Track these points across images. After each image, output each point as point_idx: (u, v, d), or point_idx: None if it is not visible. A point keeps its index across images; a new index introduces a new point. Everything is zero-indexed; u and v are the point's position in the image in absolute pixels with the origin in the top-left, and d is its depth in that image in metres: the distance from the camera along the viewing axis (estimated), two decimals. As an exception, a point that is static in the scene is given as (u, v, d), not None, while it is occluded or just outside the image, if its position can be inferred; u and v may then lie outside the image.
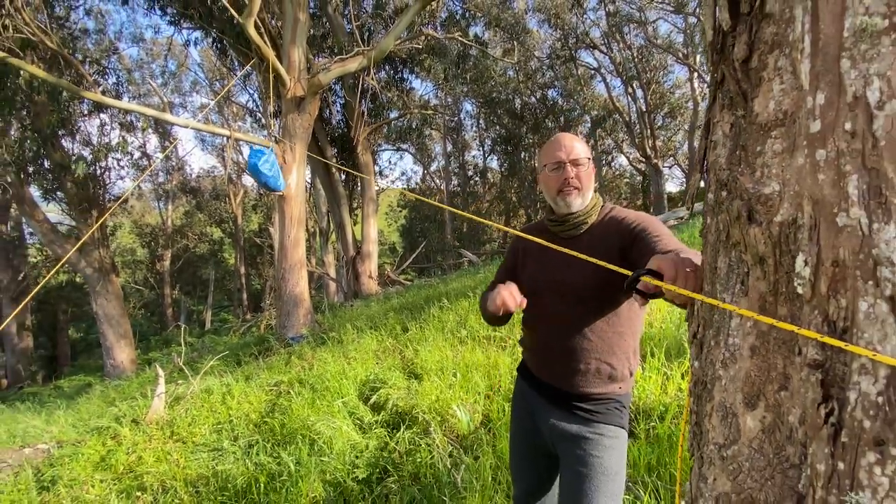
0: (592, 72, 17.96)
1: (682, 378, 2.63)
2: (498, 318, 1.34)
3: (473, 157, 23.48)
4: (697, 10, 14.76)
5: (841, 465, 0.47)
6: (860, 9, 0.46)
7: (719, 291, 0.63)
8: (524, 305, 1.21)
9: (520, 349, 4.02)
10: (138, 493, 2.61)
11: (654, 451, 2.07)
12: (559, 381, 1.28)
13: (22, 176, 9.00)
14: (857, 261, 0.46)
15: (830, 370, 0.48)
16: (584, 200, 1.28)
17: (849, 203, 0.46)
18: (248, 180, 22.08)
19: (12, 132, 9.10)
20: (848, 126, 0.47)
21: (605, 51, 15.96)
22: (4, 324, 2.96)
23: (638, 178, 21.57)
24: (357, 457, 2.57)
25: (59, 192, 9.80)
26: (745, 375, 0.57)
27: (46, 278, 2.81)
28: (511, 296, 1.19)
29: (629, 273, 0.86)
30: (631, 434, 2.21)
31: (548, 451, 1.35)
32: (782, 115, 0.53)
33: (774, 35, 0.54)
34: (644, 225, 1.18)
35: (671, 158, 20.85)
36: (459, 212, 2.39)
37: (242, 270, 22.28)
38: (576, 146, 1.26)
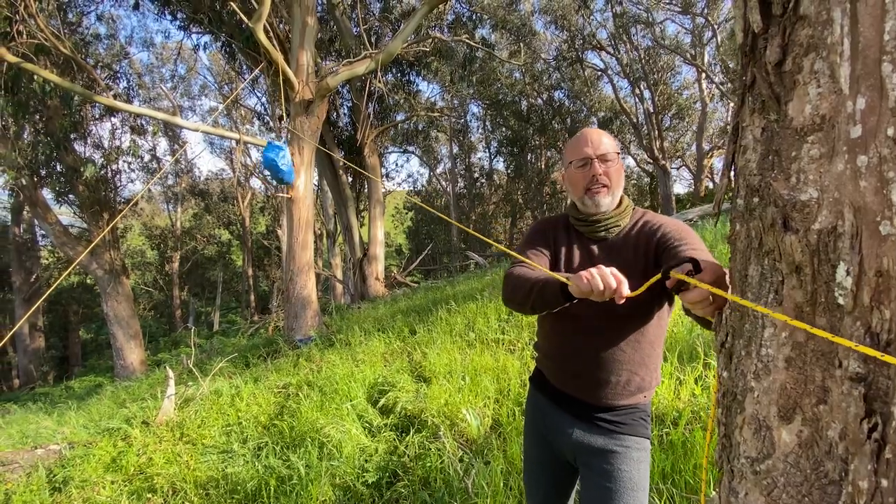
0: (599, 73, 17.87)
1: (696, 383, 2.59)
2: (553, 301, 1.09)
3: (479, 158, 23.46)
4: (705, 10, 14.67)
5: (885, 483, 0.46)
6: (902, 10, 0.45)
7: (750, 300, 0.61)
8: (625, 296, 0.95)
9: (528, 353, 3.94)
10: (149, 495, 2.63)
11: (668, 458, 2.04)
12: (584, 393, 1.21)
13: (35, 179, 9.14)
14: (902, 271, 0.44)
15: (873, 384, 0.47)
16: (614, 199, 1.20)
17: (892, 211, 0.45)
18: (256, 182, 22.29)
19: (25, 136, 9.25)
20: (891, 132, 0.45)
21: (612, 52, 15.88)
22: (18, 325, 2.99)
23: (645, 179, 21.41)
24: (366, 460, 2.57)
25: (71, 195, 9.93)
26: (779, 388, 0.55)
27: (59, 280, 2.84)
28: (618, 280, 0.93)
29: (659, 275, 0.83)
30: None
31: (564, 464, 1.29)
32: (819, 119, 0.51)
33: (810, 38, 0.52)
34: (682, 235, 1.13)
35: (679, 160, 20.69)
36: (457, 223, 2.37)
37: (250, 272, 22.43)
38: (604, 141, 1.19)
